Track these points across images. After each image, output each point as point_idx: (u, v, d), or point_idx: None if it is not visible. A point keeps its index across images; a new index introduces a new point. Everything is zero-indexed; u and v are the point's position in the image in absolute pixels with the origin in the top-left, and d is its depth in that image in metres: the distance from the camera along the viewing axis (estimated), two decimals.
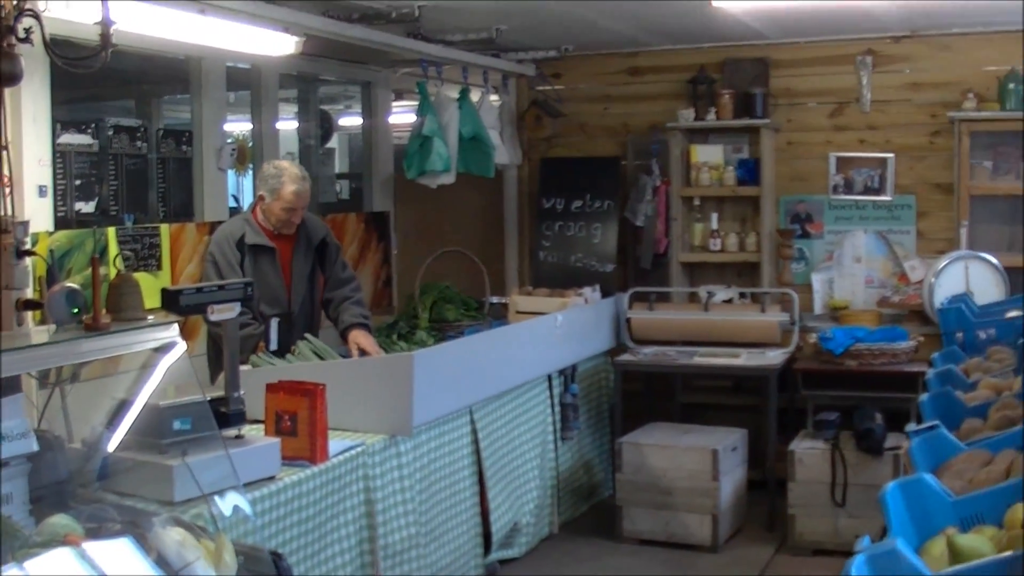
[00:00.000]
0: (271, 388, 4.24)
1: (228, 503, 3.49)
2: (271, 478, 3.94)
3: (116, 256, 5.24)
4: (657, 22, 6.78)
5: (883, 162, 7.29)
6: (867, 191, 7.34)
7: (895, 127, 7.27)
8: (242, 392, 3.92)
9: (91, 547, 2.71)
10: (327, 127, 8.43)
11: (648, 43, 7.59)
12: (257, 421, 4.29)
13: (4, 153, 4.12)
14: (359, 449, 4.51)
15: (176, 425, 3.55)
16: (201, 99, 6.17)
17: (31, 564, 2.63)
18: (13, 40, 3.81)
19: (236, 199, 7.82)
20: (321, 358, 5.13)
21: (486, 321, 6.59)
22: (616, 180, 7.83)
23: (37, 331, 3.83)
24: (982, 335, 5.22)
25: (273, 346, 5.33)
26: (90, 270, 3.81)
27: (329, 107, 8.77)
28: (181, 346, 3.47)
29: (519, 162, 8.08)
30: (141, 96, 6.84)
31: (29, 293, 4.30)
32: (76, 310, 3.41)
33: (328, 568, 4.27)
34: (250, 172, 6.78)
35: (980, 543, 2.37)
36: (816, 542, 6.14)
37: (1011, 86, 6.73)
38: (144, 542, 2.86)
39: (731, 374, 7.15)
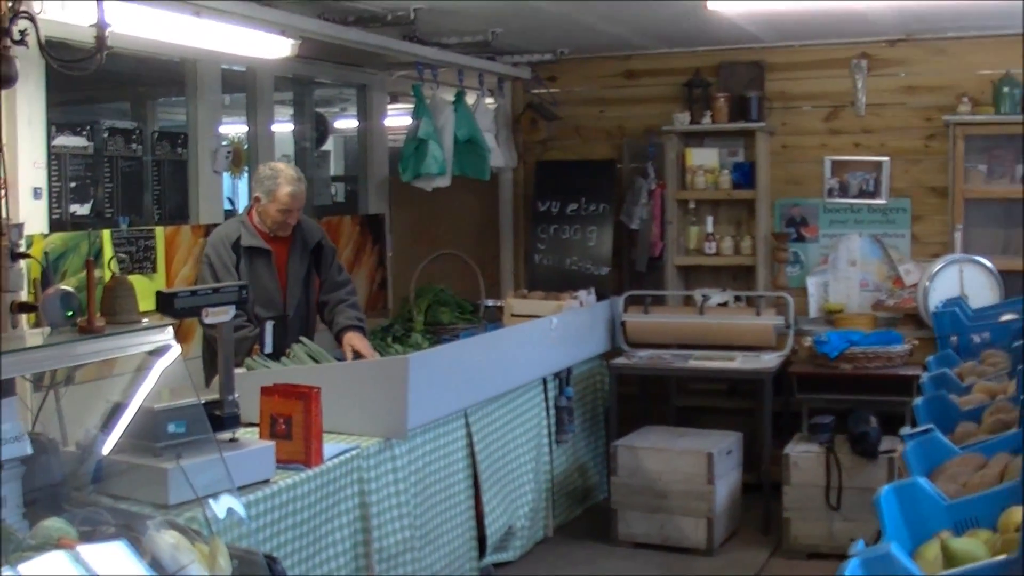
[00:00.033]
0: (266, 391, 4.23)
1: (222, 506, 3.49)
2: (266, 481, 3.94)
3: (111, 259, 5.20)
4: (653, 25, 6.79)
5: (878, 165, 7.30)
6: (862, 194, 7.34)
7: (890, 130, 7.28)
8: (237, 395, 3.92)
9: (85, 550, 2.71)
10: (322, 130, 8.43)
11: (644, 46, 7.59)
12: (252, 424, 4.28)
13: None
14: (354, 452, 4.51)
15: (171, 428, 3.55)
16: (196, 101, 6.16)
17: (25, 568, 2.62)
18: (8, 42, 3.80)
19: (231, 201, 7.83)
20: (316, 361, 5.13)
21: (481, 324, 6.59)
22: (611, 183, 7.83)
23: (31, 334, 3.83)
24: (976, 339, 5.22)
25: (268, 349, 5.33)
26: (85, 273, 3.80)
27: (324, 110, 8.77)
28: (176, 349, 3.47)
29: (514, 165, 8.08)
30: (136, 98, 6.83)
31: (24, 295, 4.30)
32: (71, 313, 3.41)
33: (323, 571, 4.26)
34: (245, 175, 6.77)
35: (974, 547, 2.38)
36: (811, 545, 6.15)
37: (1006, 90, 6.74)
38: (138, 545, 2.85)
39: (726, 377, 7.15)
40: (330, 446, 4.39)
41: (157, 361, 3.45)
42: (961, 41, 7.05)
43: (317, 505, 4.20)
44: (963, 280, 6.72)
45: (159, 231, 5.73)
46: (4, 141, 4.19)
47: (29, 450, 3.19)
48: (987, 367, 4.50)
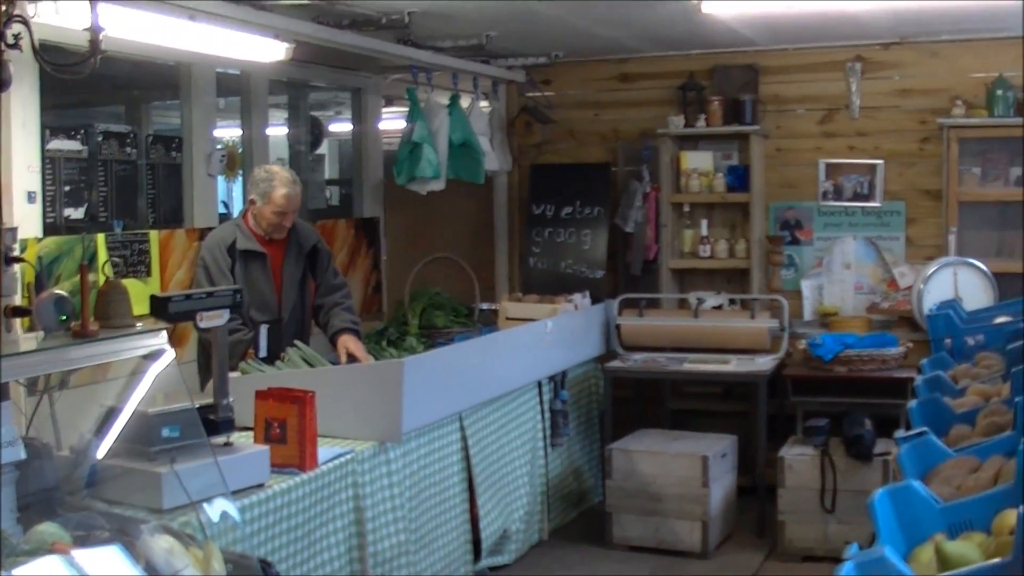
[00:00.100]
0: (260, 395, 4.23)
1: (217, 510, 3.49)
2: (260, 485, 3.93)
3: (105, 263, 5.23)
4: (647, 29, 6.79)
5: (872, 168, 7.31)
6: (856, 197, 7.35)
7: (884, 134, 7.29)
8: (231, 399, 3.91)
9: (79, 555, 2.70)
10: (317, 133, 8.44)
11: (638, 50, 7.60)
12: (246, 428, 4.28)
13: None
14: (348, 456, 4.50)
15: (165, 432, 3.54)
16: (191, 105, 6.16)
17: (19, 572, 2.62)
18: (2, 46, 3.80)
19: (226, 205, 7.83)
20: (311, 365, 5.12)
21: (476, 327, 6.59)
22: (606, 186, 7.84)
23: (25, 338, 3.82)
24: (970, 341, 5.23)
25: (262, 353, 5.32)
26: (79, 277, 3.80)
27: (319, 113, 8.77)
28: (170, 353, 3.47)
29: (509, 168, 8.08)
30: (131, 102, 6.83)
31: (17, 300, 4.29)
32: (64, 317, 3.40)
33: None
34: (240, 178, 6.77)
35: (968, 550, 2.38)
36: (806, 548, 6.15)
37: (999, 92, 6.75)
38: (132, 550, 2.85)
39: (721, 380, 7.16)
40: (324, 450, 4.39)
41: (151, 365, 3.45)
42: (955, 44, 7.07)
43: (312, 509, 4.19)
44: (957, 283, 6.74)
45: (153, 235, 5.72)
46: None
47: (23, 455, 3.18)
48: (981, 370, 4.50)
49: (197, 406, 3.66)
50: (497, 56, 7.45)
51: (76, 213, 5.36)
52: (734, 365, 6.80)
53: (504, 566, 5.95)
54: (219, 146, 6.47)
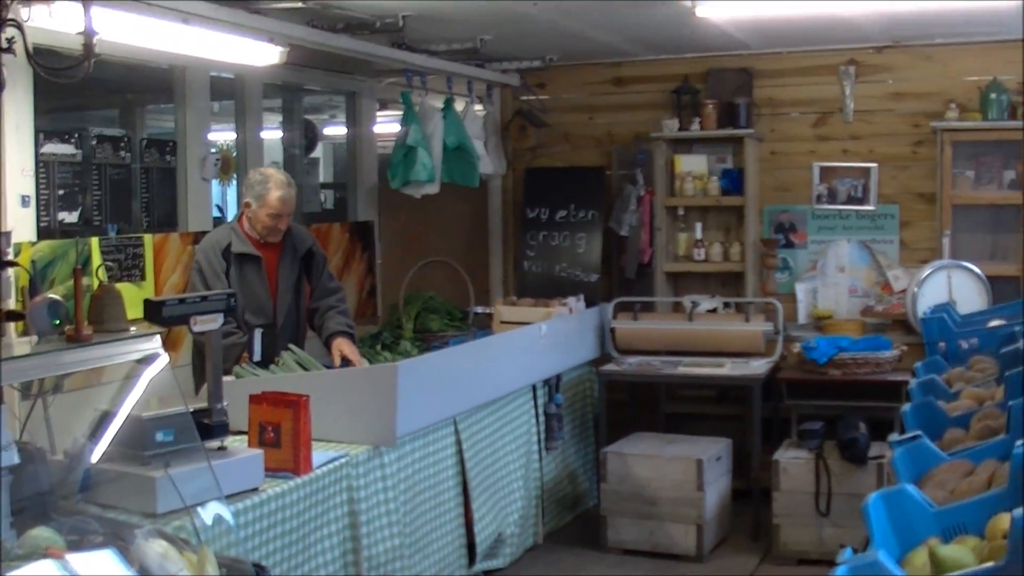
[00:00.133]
0: (254, 399, 4.23)
1: (211, 515, 3.48)
2: (254, 490, 3.92)
3: (99, 266, 5.21)
4: (641, 32, 6.80)
5: (866, 172, 7.32)
6: (850, 201, 7.36)
7: (878, 137, 7.30)
8: (225, 403, 3.90)
9: (73, 559, 2.70)
10: (311, 137, 8.44)
11: (632, 53, 7.60)
12: (240, 432, 4.27)
13: None
14: (343, 460, 4.50)
15: (159, 437, 3.54)
16: (185, 109, 6.16)
17: None
18: None
19: (220, 209, 7.81)
20: (305, 369, 5.12)
21: (470, 331, 6.58)
22: (600, 190, 7.84)
23: (19, 342, 3.80)
24: (964, 345, 5.24)
25: (257, 357, 5.31)
26: (73, 281, 3.79)
27: (313, 117, 8.77)
28: (164, 357, 3.46)
29: (503, 172, 8.08)
30: (125, 106, 6.82)
31: (11, 304, 4.29)
32: (58, 321, 3.40)
33: None
34: (234, 182, 6.77)
35: (962, 554, 2.38)
36: (801, 551, 6.15)
37: (993, 96, 6.77)
38: (126, 554, 2.85)
39: (715, 384, 7.16)
40: (319, 454, 4.38)
41: (145, 369, 3.45)
42: (948, 47, 7.08)
43: (306, 513, 4.19)
44: (951, 286, 6.75)
45: (147, 239, 5.72)
46: None
47: (17, 459, 3.17)
48: (975, 373, 4.51)
49: (191, 410, 3.65)
50: (491, 60, 7.45)
51: (70, 217, 5.35)
52: (729, 368, 6.80)
53: (499, 570, 5.95)
54: (213, 150, 6.46)
